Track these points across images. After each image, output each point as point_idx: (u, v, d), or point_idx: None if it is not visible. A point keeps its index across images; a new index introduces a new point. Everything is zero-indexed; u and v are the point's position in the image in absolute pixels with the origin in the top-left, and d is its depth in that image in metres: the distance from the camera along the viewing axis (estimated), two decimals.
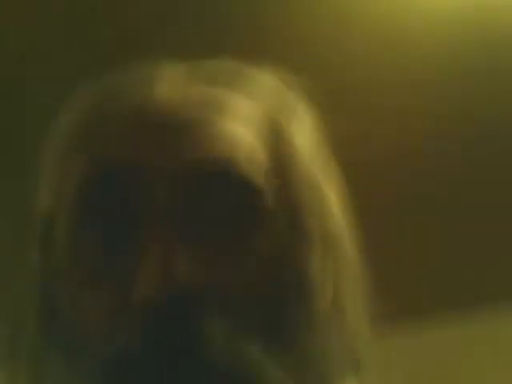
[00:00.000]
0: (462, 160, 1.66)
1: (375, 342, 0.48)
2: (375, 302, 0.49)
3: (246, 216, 0.44)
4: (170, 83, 0.47)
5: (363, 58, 1.44)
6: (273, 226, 0.45)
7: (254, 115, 0.48)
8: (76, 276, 0.44)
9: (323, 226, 0.48)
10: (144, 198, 0.43)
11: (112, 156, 0.44)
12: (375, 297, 0.49)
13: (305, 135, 0.51)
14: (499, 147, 1.64)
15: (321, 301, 0.46)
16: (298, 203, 0.47)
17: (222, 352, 0.40)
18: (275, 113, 0.50)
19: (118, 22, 1.25)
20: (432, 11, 1.41)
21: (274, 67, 0.51)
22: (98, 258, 0.43)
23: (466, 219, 1.76)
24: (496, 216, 1.76)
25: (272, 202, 0.45)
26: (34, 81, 1.26)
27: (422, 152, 1.60)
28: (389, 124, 1.53)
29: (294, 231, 0.46)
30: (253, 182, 0.45)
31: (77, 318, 0.43)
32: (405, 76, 1.48)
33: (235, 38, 1.20)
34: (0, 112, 1.27)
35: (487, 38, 1.46)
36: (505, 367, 1.86)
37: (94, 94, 0.48)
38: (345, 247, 0.49)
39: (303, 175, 0.49)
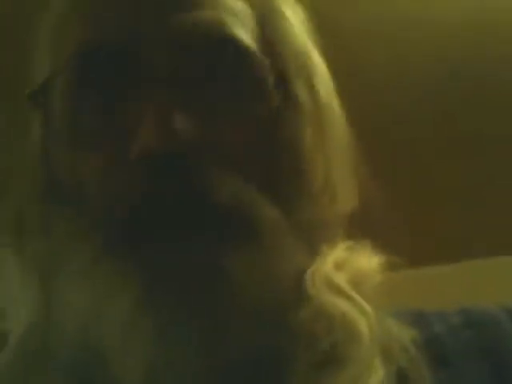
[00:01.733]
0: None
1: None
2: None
3: (238, 78, 0.45)
4: None
5: None
6: (265, 88, 0.45)
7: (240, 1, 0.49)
8: (76, 139, 0.45)
9: (314, 97, 0.49)
10: (142, 63, 0.43)
11: (110, 26, 0.45)
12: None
13: (297, 16, 0.51)
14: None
15: (313, 171, 0.47)
16: (288, 69, 0.48)
17: (222, 193, 0.41)
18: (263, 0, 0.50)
19: None
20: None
21: None
22: (98, 120, 0.44)
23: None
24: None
25: (264, 65, 0.46)
26: None
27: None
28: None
29: (286, 99, 0.46)
30: (244, 44, 0.45)
31: (78, 182, 0.44)
32: None
33: None
34: None
35: None
36: None
37: None
38: (335, 123, 0.50)
39: (295, 44, 0.49)
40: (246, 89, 0.45)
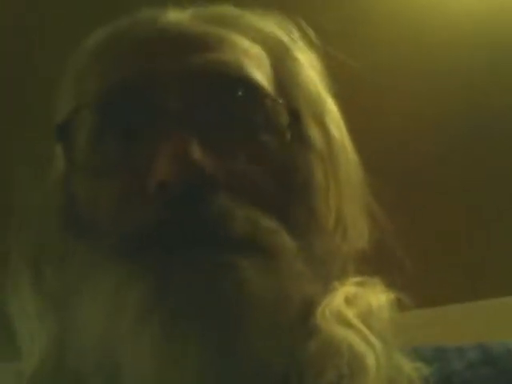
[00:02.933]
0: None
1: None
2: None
3: (252, 116, 0.46)
4: (177, 16, 0.51)
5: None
6: (278, 126, 0.47)
7: (256, 43, 0.50)
8: (96, 170, 0.46)
9: (326, 136, 0.50)
10: (159, 99, 0.45)
11: (128, 67, 0.47)
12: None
13: (308, 59, 0.53)
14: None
15: (323, 208, 0.48)
16: (301, 109, 0.49)
17: (241, 222, 0.42)
18: (277, 42, 0.52)
19: None
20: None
21: (274, 12, 0.54)
22: (117, 153, 0.46)
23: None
24: None
25: (277, 104, 0.47)
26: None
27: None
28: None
29: (298, 138, 0.48)
30: (259, 84, 0.47)
31: (97, 211, 0.45)
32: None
33: None
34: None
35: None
36: None
37: (107, 27, 0.52)
38: (347, 162, 0.51)
39: (307, 86, 0.51)
40: (260, 126, 0.46)
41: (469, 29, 1.38)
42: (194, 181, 0.41)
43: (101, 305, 0.42)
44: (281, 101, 0.47)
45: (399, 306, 0.46)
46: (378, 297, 0.46)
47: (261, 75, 0.48)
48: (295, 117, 0.48)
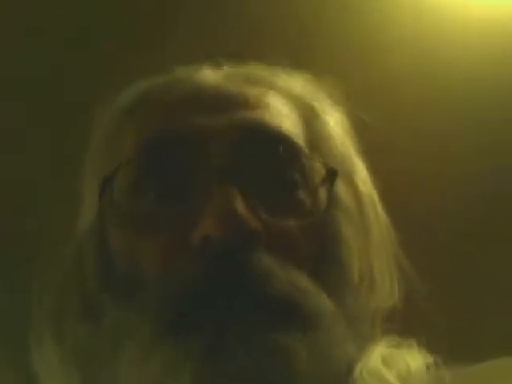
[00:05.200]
0: None
1: None
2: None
3: (291, 172, 0.47)
4: (212, 75, 0.52)
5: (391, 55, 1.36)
6: (313, 184, 0.48)
7: (287, 104, 0.52)
8: (137, 226, 0.46)
9: (354, 194, 0.51)
10: (203, 156, 0.45)
11: (168, 123, 0.48)
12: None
13: (335, 120, 0.54)
14: None
15: (353, 264, 0.48)
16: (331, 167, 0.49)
17: (280, 282, 0.42)
18: (306, 104, 0.53)
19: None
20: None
21: (301, 70, 0.55)
22: (158, 208, 0.46)
23: None
24: None
25: (312, 163, 0.48)
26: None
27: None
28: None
29: (328, 195, 0.48)
30: (296, 142, 0.48)
31: (135, 266, 0.45)
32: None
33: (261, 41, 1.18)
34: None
35: None
36: None
37: (140, 85, 0.53)
38: (376, 220, 0.52)
39: (335, 145, 0.52)
40: (297, 183, 0.47)
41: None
42: (239, 236, 0.42)
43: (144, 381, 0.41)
44: (317, 159, 0.49)
45: (436, 366, 0.45)
46: (416, 358, 0.45)
47: (295, 134, 0.49)
48: (331, 174, 0.48)
